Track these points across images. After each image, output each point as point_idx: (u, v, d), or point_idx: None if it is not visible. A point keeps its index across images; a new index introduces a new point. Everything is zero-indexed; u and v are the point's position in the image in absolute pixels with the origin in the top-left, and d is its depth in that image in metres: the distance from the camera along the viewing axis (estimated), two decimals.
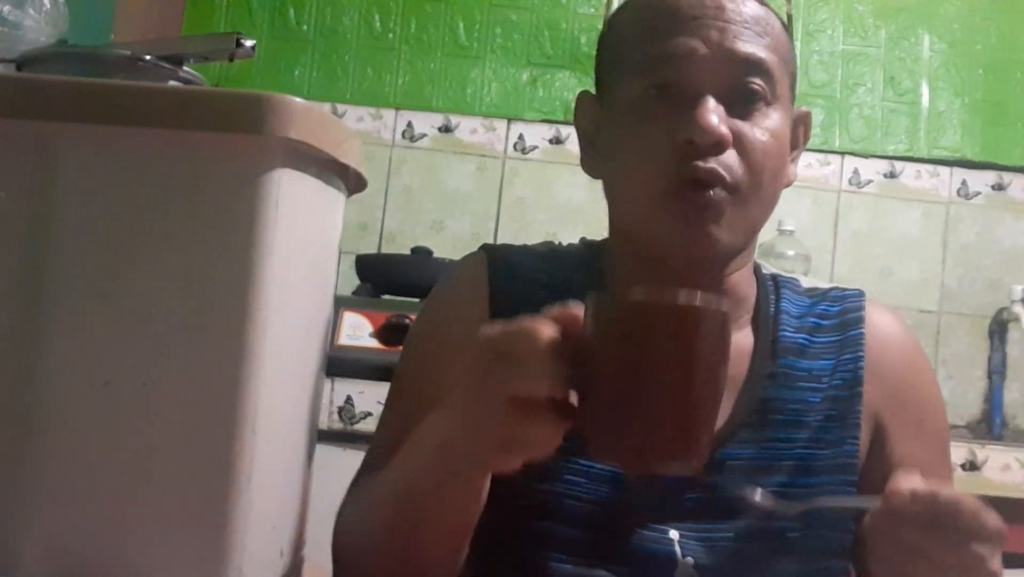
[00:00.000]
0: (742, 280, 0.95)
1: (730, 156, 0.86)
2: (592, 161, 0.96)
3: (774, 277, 1.00)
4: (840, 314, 0.98)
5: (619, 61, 0.93)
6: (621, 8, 0.95)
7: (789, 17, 0.93)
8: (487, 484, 0.79)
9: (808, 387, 0.93)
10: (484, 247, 1.00)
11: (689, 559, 0.87)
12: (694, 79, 0.87)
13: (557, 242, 1.04)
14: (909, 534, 0.72)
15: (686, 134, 0.85)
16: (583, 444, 0.66)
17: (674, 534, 0.87)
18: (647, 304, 0.62)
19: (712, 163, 0.85)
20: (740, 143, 0.86)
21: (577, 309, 0.67)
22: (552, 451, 0.67)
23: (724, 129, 0.85)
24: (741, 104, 0.87)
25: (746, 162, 0.86)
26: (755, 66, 0.88)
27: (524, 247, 1.01)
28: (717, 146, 0.85)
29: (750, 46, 0.88)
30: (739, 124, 0.87)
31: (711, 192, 0.85)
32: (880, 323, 0.98)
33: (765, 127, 0.88)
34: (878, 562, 0.74)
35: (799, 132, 0.96)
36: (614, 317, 0.63)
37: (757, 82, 0.88)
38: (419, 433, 0.82)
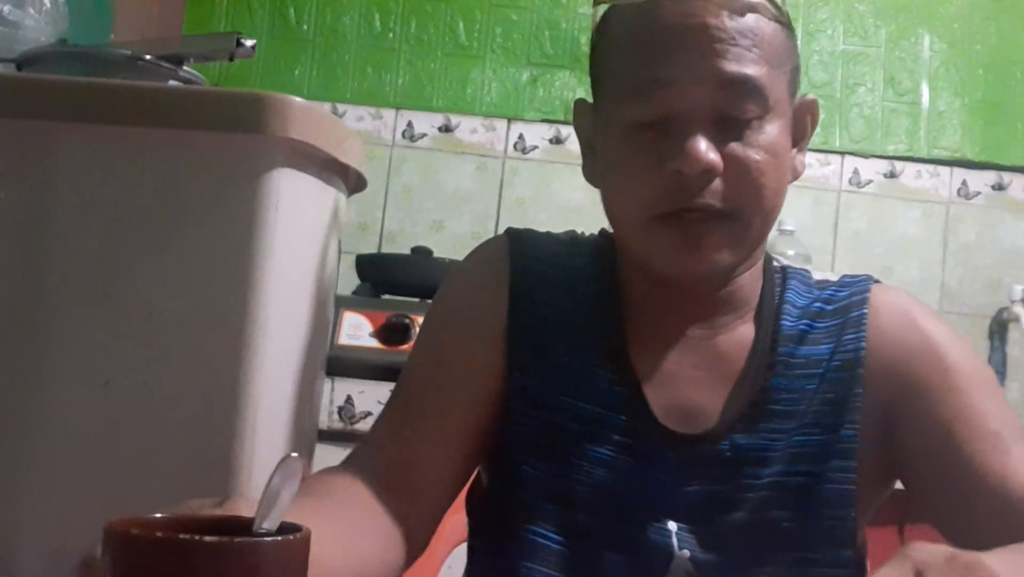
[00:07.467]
0: (747, 281, 0.94)
1: (723, 181, 0.85)
2: (592, 170, 0.95)
3: (783, 269, 0.99)
4: (845, 298, 0.95)
5: (606, 80, 0.91)
6: (607, 18, 0.92)
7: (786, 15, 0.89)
8: None
9: (806, 374, 0.92)
10: (508, 231, 1.00)
11: (685, 552, 0.86)
12: (680, 110, 0.84)
13: (580, 232, 1.03)
14: None
15: (674, 164, 0.84)
16: None
17: (672, 526, 0.87)
18: (131, 536, 0.54)
19: (704, 196, 0.84)
20: (734, 165, 0.85)
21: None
22: None
23: (713, 156, 0.83)
24: (732, 125, 0.85)
25: (743, 183, 0.85)
26: (744, 87, 0.84)
27: (548, 233, 1.01)
28: (707, 174, 0.84)
29: (737, 66, 0.84)
30: (732, 146, 0.85)
31: (704, 224, 0.85)
32: (886, 302, 0.95)
33: (760, 144, 0.85)
34: None
35: (806, 121, 0.93)
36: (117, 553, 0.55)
37: (748, 102, 0.85)
38: None
